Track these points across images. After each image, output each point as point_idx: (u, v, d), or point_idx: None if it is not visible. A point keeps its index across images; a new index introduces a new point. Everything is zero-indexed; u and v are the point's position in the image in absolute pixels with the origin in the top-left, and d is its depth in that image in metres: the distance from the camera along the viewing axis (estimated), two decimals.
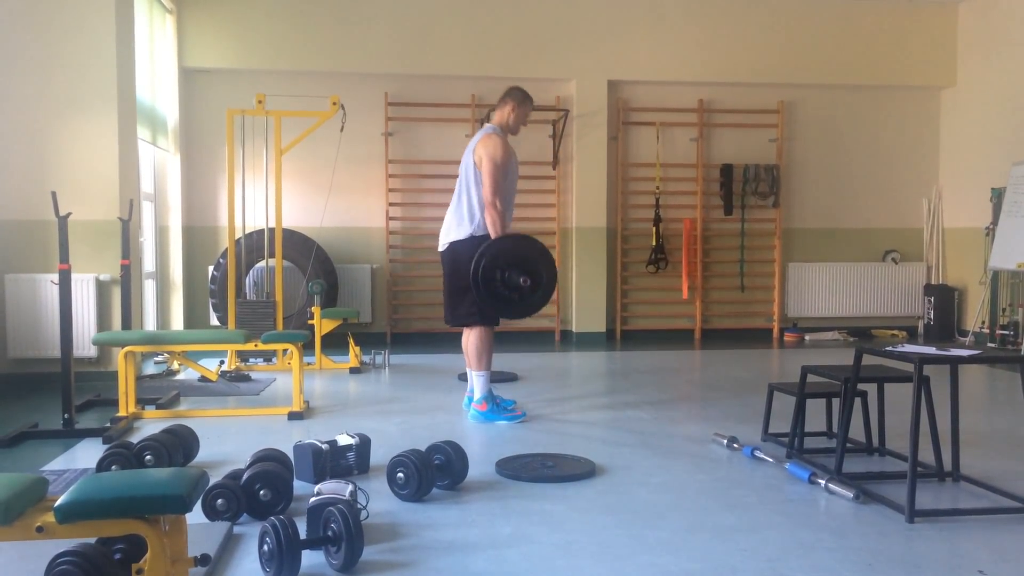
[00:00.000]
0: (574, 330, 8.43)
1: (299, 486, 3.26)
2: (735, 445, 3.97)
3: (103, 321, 5.86)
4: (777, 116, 8.71)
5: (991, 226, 8.02)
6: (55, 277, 4.59)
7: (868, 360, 3.52)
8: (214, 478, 2.94)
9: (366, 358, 6.70)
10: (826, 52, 8.59)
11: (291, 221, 7.62)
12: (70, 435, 4.24)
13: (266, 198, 6.73)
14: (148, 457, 3.36)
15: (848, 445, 3.58)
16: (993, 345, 7.82)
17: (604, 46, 8.28)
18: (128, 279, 5.56)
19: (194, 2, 7.74)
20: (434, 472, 3.24)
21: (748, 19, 8.47)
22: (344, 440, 3.53)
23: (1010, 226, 7.57)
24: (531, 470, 3.57)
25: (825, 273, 8.88)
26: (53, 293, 5.44)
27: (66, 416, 4.26)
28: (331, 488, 2.97)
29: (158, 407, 4.86)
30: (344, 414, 4.85)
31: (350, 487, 2.97)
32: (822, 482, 3.32)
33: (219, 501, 2.87)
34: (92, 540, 2.18)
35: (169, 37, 7.66)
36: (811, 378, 3.86)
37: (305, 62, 7.91)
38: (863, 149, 8.94)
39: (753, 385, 5.80)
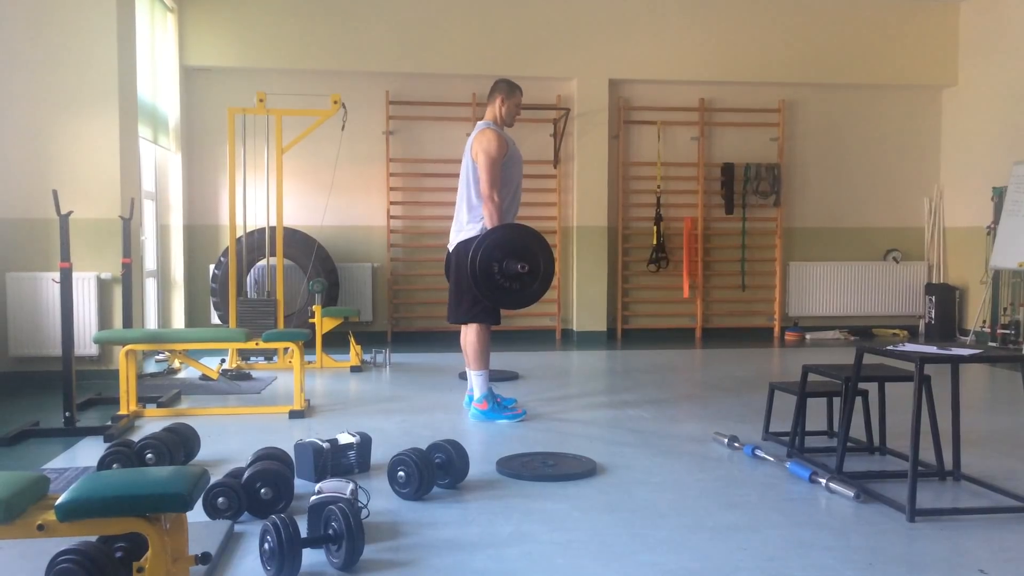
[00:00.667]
0: (575, 329, 8.43)
1: (300, 485, 3.26)
2: (736, 444, 3.97)
3: (104, 319, 5.86)
4: (778, 115, 8.70)
5: (992, 225, 8.01)
6: (56, 275, 4.60)
7: (869, 359, 3.52)
8: (215, 477, 2.94)
9: (367, 357, 6.70)
10: (827, 51, 8.58)
11: (292, 220, 7.62)
12: (71, 433, 4.24)
13: (267, 197, 6.72)
14: (149, 455, 3.37)
15: (849, 444, 3.58)
16: (994, 344, 7.82)
17: (605, 45, 8.28)
18: (129, 277, 5.56)
19: (195, 0, 7.74)
20: (435, 471, 3.24)
21: (749, 18, 8.47)
22: (345, 439, 3.53)
23: (1011, 225, 7.57)
24: (532, 469, 3.57)
25: (826, 272, 8.88)
26: (54, 291, 5.44)
27: (67, 414, 4.27)
28: (332, 487, 2.97)
29: (159, 405, 4.86)
30: (345, 413, 4.85)
31: (351, 486, 2.97)
32: (823, 481, 3.32)
33: (220, 500, 2.87)
34: (93, 538, 2.18)
35: (170, 35, 7.66)
36: (812, 377, 3.86)
37: (306, 61, 7.91)
38: (864, 148, 8.94)
39: (754, 384, 5.80)
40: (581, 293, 8.41)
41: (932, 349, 3.29)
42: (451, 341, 7.33)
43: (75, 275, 5.25)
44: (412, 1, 8.03)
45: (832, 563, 2.59)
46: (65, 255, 4.23)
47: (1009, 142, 7.99)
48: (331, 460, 3.44)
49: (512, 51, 8.15)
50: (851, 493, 3.17)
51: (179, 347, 4.86)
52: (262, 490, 2.93)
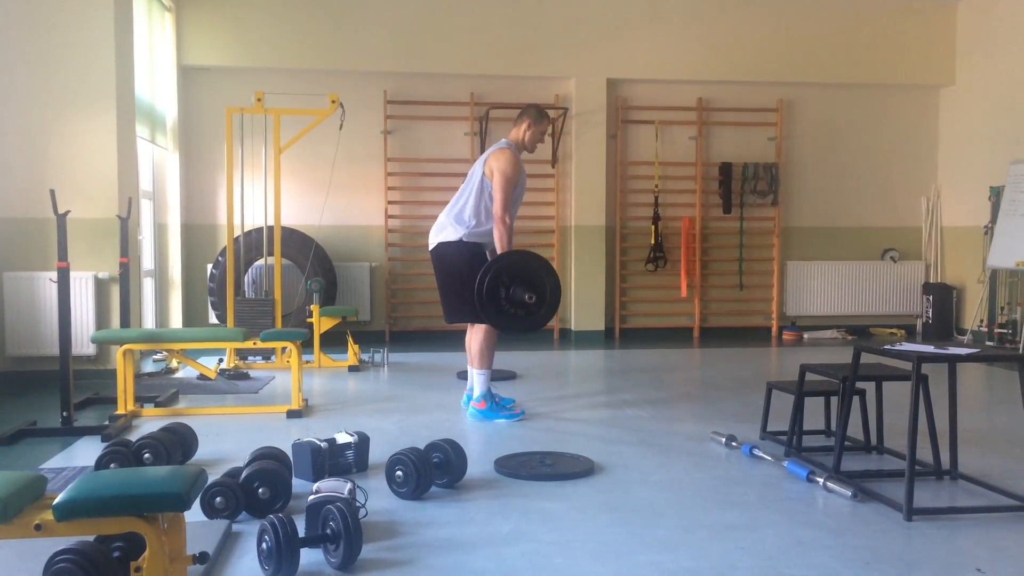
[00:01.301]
0: (573, 328, 8.43)
1: (298, 484, 3.26)
2: (734, 443, 3.97)
3: (102, 319, 5.86)
4: (776, 115, 8.71)
5: (990, 225, 8.02)
6: (54, 275, 4.59)
7: (866, 358, 3.52)
8: (213, 476, 2.94)
9: (365, 356, 6.70)
10: (825, 51, 8.59)
11: (290, 219, 7.61)
12: (69, 433, 4.24)
13: (265, 196, 6.72)
14: (147, 455, 3.36)
15: (846, 443, 3.58)
16: (991, 344, 7.83)
17: (603, 44, 8.28)
18: (127, 277, 5.56)
19: (193, 0, 7.73)
20: (433, 470, 3.24)
21: (747, 18, 8.47)
22: (343, 438, 3.53)
23: (1009, 225, 7.57)
24: (530, 468, 3.57)
25: (824, 272, 8.88)
26: (52, 291, 5.43)
27: (65, 414, 4.26)
28: (330, 486, 2.97)
29: (157, 405, 4.86)
30: (343, 412, 4.85)
31: (349, 485, 2.97)
32: (820, 480, 3.32)
33: (218, 499, 2.87)
34: (91, 538, 2.18)
35: (168, 35, 7.65)
36: (810, 376, 3.87)
37: (304, 60, 7.90)
38: (862, 148, 8.94)
39: (752, 383, 5.80)
40: (579, 292, 8.41)
41: (929, 348, 3.29)
42: (449, 341, 7.34)
43: (73, 275, 5.25)
44: (410, 1, 8.02)
45: (830, 562, 2.59)
46: (63, 255, 4.23)
47: (1006, 141, 7.99)
48: (329, 460, 3.44)
49: (510, 50, 8.14)
50: (849, 492, 3.18)
51: (177, 347, 4.86)
52: (260, 490, 2.93)
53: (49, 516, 1.96)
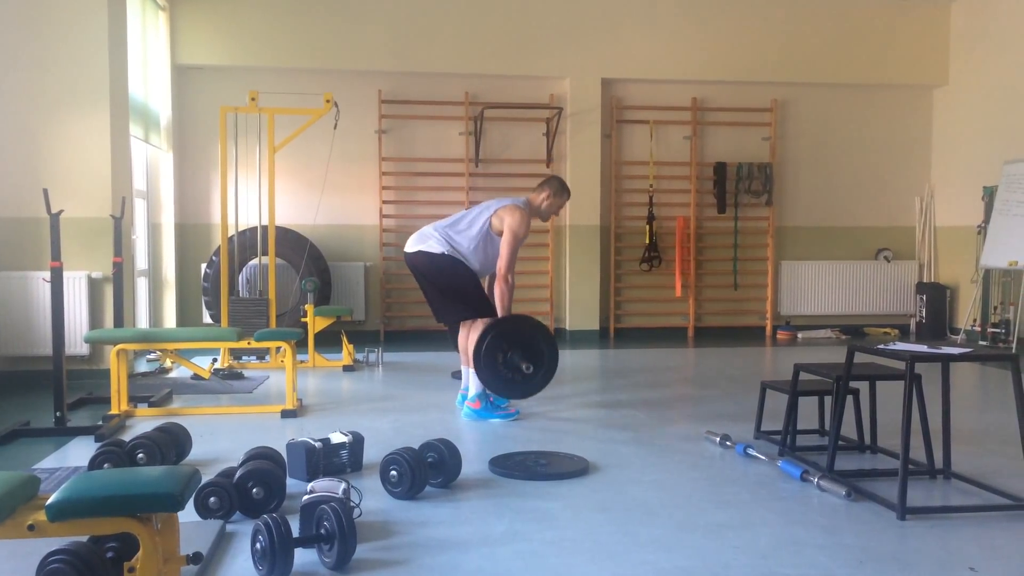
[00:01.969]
0: (567, 328, 8.43)
1: (292, 484, 3.26)
2: (728, 443, 3.98)
3: (95, 319, 5.84)
4: (770, 114, 8.72)
5: (983, 224, 8.05)
6: (47, 275, 4.58)
7: (860, 358, 3.53)
8: (206, 476, 2.94)
9: (359, 356, 6.70)
10: (819, 51, 8.61)
11: (284, 219, 7.60)
12: (62, 433, 4.23)
13: (259, 196, 6.70)
14: (140, 455, 3.36)
15: (840, 443, 3.60)
16: (984, 343, 7.85)
17: (598, 44, 8.28)
18: (120, 277, 5.55)
19: None
20: (427, 470, 3.24)
21: (741, 18, 8.48)
22: (337, 438, 3.53)
23: (1002, 224, 7.60)
24: (524, 468, 3.57)
25: (818, 271, 8.90)
26: (45, 291, 5.42)
27: (58, 414, 4.25)
28: (324, 486, 2.97)
29: (150, 405, 4.85)
30: (337, 412, 4.84)
31: (343, 485, 2.97)
32: (814, 479, 3.33)
33: (212, 499, 2.86)
34: (84, 538, 2.17)
35: (162, 34, 7.63)
36: (803, 376, 3.88)
37: (298, 59, 7.89)
38: (856, 147, 8.97)
39: (746, 383, 5.81)
40: (574, 292, 8.41)
41: (923, 348, 3.30)
42: (443, 340, 7.33)
43: (66, 274, 5.23)
44: (405, 0, 8.01)
45: (824, 561, 2.60)
46: (56, 254, 4.22)
47: (999, 142, 8.02)
48: (323, 459, 3.43)
49: (505, 50, 8.14)
50: (842, 491, 3.18)
51: (170, 346, 4.85)
52: (254, 490, 2.93)
53: (42, 516, 1.96)
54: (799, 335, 8.61)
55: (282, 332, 5.06)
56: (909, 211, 9.11)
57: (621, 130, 8.57)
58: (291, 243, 7.43)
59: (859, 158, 8.98)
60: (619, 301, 8.66)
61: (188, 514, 2.64)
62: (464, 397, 4.73)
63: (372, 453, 3.66)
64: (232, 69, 7.88)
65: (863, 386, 3.83)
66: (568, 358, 7.30)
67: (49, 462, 3.75)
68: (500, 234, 4.59)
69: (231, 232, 6.70)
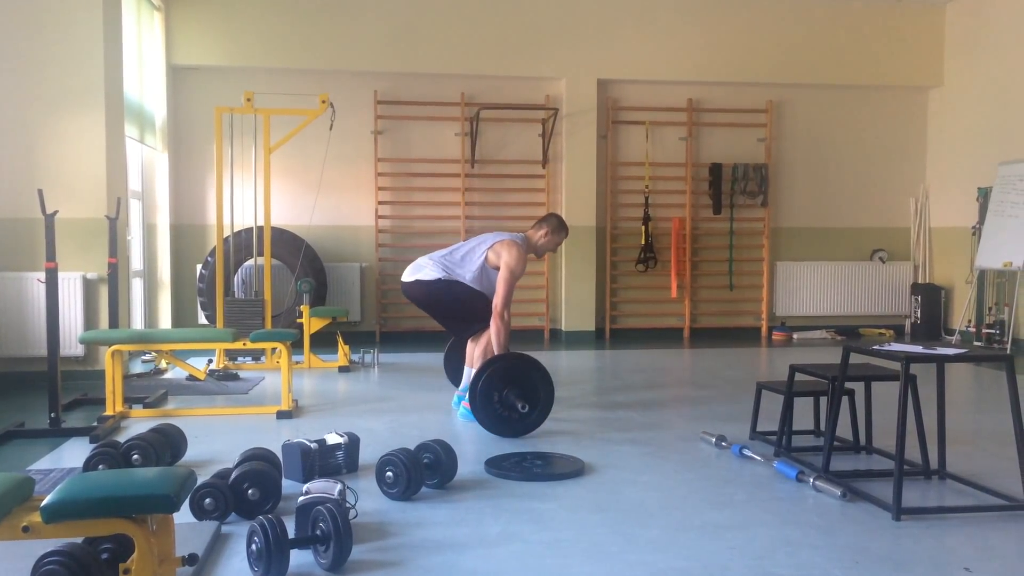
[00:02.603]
0: (563, 329, 8.44)
1: (287, 485, 3.25)
2: (723, 444, 3.98)
3: (90, 320, 5.83)
4: (766, 116, 8.74)
5: (977, 225, 8.07)
6: (42, 275, 4.57)
7: (855, 359, 3.54)
8: (202, 477, 2.93)
9: (355, 357, 6.69)
10: (814, 52, 8.62)
11: (280, 219, 7.60)
12: (57, 434, 4.22)
13: (255, 196, 6.70)
14: (135, 456, 3.35)
15: (835, 443, 3.60)
16: (979, 344, 7.88)
17: (594, 45, 8.29)
18: (115, 277, 5.53)
19: None
20: (423, 471, 3.24)
21: (737, 19, 8.50)
22: (333, 439, 3.53)
23: (996, 225, 7.62)
24: (520, 469, 3.57)
25: (813, 272, 8.92)
26: (40, 291, 5.40)
27: (53, 415, 4.24)
28: (320, 487, 2.97)
29: (145, 406, 4.84)
30: (333, 413, 4.84)
31: (339, 486, 2.96)
32: (810, 480, 3.33)
33: (207, 500, 2.86)
34: (79, 540, 2.17)
35: (157, 34, 7.62)
36: (799, 377, 3.88)
37: (294, 60, 7.88)
38: (851, 149, 8.99)
39: (741, 384, 5.82)
40: (570, 293, 8.42)
41: (918, 349, 3.31)
42: (439, 341, 7.32)
43: (61, 275, 5.22)
44: (401, 0, 8.01)
45: (819, 561, 2.60)
46: (51, 255, 4.20)
47: (994, 143, 8.05)
48: (319, 460, 3.43)
49: (501, 51, 8.15)
50: (838, 492, 3.19)
51: (166, 347, 4.84)
52: (249, 491, 2.92)
53: (37, 518, 1.95)
54: (794, 336, 8.63)
55: (278, 333, 5.05)
56: (904, 212, 9.13)
57: (617, 131, 8.58)
58: (287, 244, 7.42)
59: (854, 159, 9.00)
60: (615, 302, 8.67)
61: (184, 515, 2.65)
62: (460, 398, 4.73)
63: (368, 454, 3.65)
64: (227, 69, 7.87)
65: (858, 387, 3.83)
66: (564, 359, 7.30)
67: (44, 463, 3.74)
68: (496, 268, 4.64)
69: (227, 233, 6.69)
